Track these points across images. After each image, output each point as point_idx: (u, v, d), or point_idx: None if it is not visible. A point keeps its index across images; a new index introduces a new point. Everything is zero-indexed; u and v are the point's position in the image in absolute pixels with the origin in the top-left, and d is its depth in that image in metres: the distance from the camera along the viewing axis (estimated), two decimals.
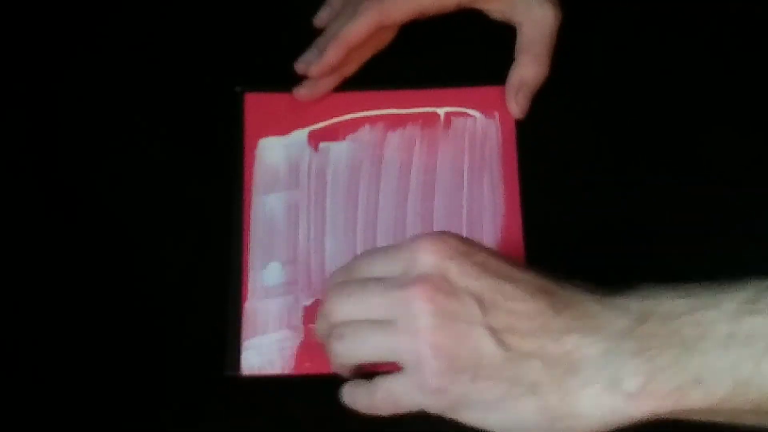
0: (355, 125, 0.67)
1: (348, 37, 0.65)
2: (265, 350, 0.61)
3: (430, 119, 0.67)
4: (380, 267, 0.55)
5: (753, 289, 0.50)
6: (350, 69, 0.68)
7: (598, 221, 0.64)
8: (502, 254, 0.55)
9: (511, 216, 0.64)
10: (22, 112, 0.68)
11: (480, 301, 0.51)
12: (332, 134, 0.67)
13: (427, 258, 0.52)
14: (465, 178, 0.66)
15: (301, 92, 0.67)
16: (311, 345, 0.60)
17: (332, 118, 0.67)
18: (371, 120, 0.67)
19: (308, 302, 0.62)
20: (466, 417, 0.52)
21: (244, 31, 0.70)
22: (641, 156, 0.66)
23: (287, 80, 0.67)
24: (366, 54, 0.68)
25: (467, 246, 0.53)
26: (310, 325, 0.61)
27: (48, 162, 0.66)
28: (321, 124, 0.67)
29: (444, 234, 0.54)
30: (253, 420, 0.59)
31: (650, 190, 0.65)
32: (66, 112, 0.68)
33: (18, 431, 0.60)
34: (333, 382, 0.58)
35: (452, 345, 0.51)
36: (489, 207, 0.65)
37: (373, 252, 0.57)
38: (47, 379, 0.60)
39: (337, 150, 0.66)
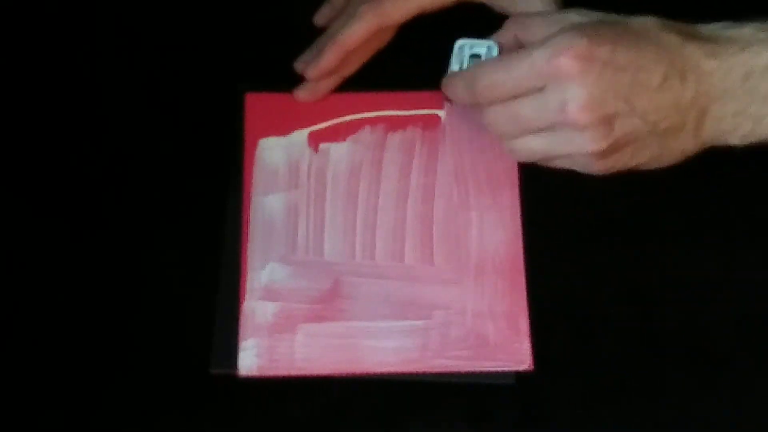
0: (355, 126, 0.67)
1: (345, 41, 0.65)
2: (263, 351, 0.61)
3: (431, 121, 0.67)
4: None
5: None
6: (350, 69, 0.67)
7: (598, 220, 0.64)
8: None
9: (510, 216, 0.64)
10: (25, 113, 0.68)
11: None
12: (333, 135, 0.67)
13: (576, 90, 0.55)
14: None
15: (301, 94, 0.67)
16: (308, 346, 0.60)
17: (333, 119, 0.67)
18: (372, 121, 0.67)
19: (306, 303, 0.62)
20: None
21: (245, 31, 0.70)
22: None
23: (288, 80, 0.67)
24: (366, 54, 0.68)
25: (599, 50, 0.55)
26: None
27: (48, 161, 0.66)
28: (321, 125, 0.67)
29: (581, 43, 0.55)
30: (252, 420, 0.60)
31: (652, 189, 0.64)
32: (67, 112, 0.68)
33: (18, 431, 0.60)
34: (331, 383, 0.58)
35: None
36: (489, 208, 0.65)
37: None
38: (46, 378, 0.61)
39: (338, 151, 0.66)
